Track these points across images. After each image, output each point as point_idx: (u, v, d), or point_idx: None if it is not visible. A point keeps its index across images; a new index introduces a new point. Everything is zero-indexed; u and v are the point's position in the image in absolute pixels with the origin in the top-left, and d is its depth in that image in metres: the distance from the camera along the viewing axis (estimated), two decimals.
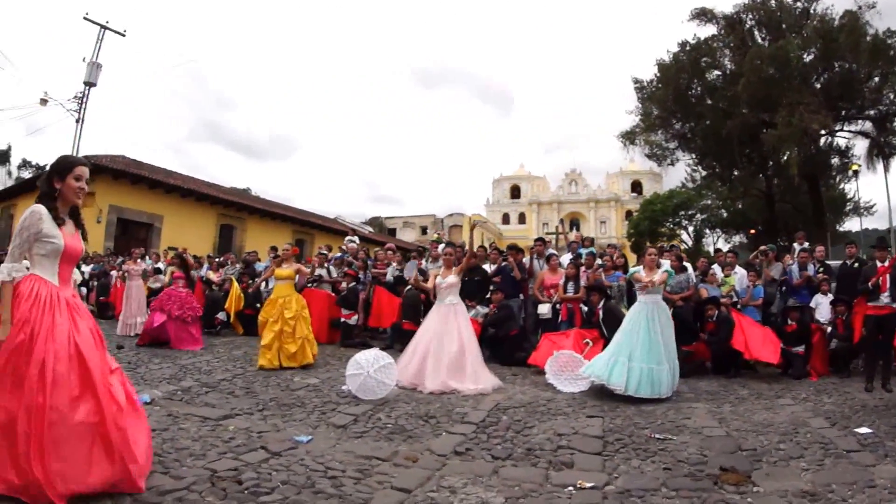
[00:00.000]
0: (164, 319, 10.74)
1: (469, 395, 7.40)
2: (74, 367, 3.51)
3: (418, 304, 11.01)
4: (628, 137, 34.33)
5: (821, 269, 10.87)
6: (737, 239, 46.95)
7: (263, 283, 13.18)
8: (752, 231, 40.26)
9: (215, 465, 4.34)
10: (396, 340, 10.81)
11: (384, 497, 3.93)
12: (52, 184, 3.77)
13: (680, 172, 43.18)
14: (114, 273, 15.67)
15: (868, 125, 29.80)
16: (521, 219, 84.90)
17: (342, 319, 12.19)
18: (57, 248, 3.68)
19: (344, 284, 12.72)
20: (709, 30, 30.98)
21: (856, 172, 31.54)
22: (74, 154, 21.43)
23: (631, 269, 8.80)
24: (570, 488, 4.21)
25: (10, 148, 57.34)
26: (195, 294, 12.59)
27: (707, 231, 49.94)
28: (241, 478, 4.11)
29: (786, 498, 4.02)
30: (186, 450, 4.69)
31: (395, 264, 13.16)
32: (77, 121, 23.47)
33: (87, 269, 17.67)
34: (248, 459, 4.54)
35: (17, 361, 3.39)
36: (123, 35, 24.74)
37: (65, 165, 3.83)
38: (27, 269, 3.66)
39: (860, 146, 31.53)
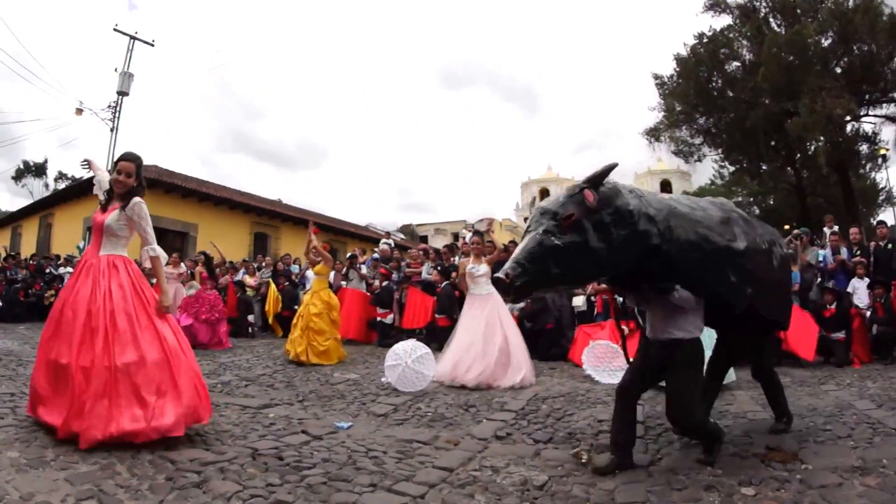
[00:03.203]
0: (190, 322, 10.83)
1: (508, 388, 7.33)
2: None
3: (454, 299, 10.98)
4: (653, 134, 33.78)
5: (857, 253, 10.69)
6: None
7: (300, 285, 13.27)
8: (787, 227, 39.64)
9: (256, 444, 4.42)
10: (432, 339, 10.77)
11: (426, 474, 3.96)
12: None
13: (708, 169, 42.63)
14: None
15: (894, 108, 29.21)
16: None
17: (378, 319, 12.24)
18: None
19: (377, 283, 12.77)
20: (724, 20, 30.56)
21: (884, 157, 30.90)
22: (108, 163, 21.87)
23: None
24: None
25: (46, 161, 58.99)
26: (228, 297, 12.74)
27: None
28: (281, 455, 4.19)
29: (836, 472, 3.95)
30: (227, 432, 4.77)
31: (429, 263, 13.11)
32: (111, 130, 23.83)
33: None
34: (289, 441, 4.60)
35: None
36: (152, 45, 25.18)
37: (115, 162, 4.81)
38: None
39: (887, 132, 30.89)
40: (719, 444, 4.31)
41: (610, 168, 3.73)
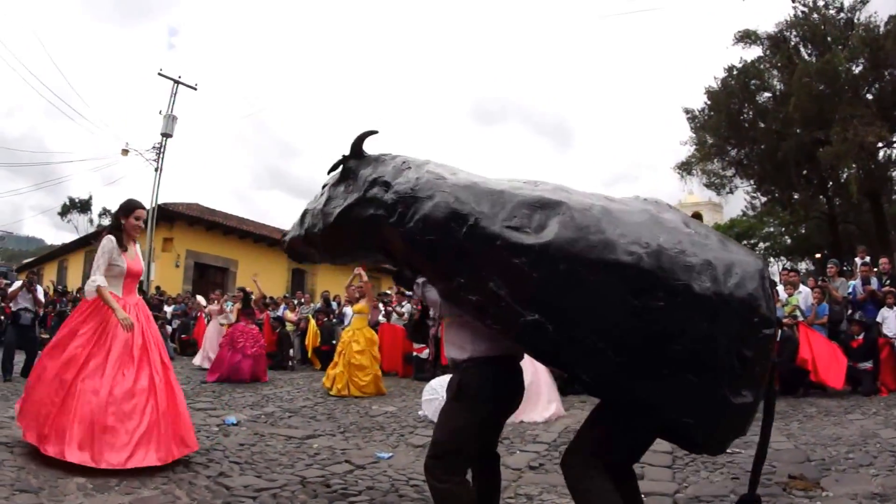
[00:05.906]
0: (238, 358, 10.99)
1: (539, 422, 7.43)
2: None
3: None
4: (685, 168, 33.66)
5: (887, 282, 10.71)
6: (802, 266, 45.49)
7: (337, 321, 13.62)
8: (818, 256, 39.13)
9: (303, 473, 4.74)
10: None
11: None
12: (119, 219, 5.04)
13: (739, 201, 42.08)
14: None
15: None
16: None
17: (414, 353, 12.55)
18: (122, 271, 4.89)
19: (408, 317, 13.08)
20: (754, 52, 30.51)
21: None
22: (153, 202, 22.50)
23: None
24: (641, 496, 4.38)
25: (90, 198, 59.92)
26: (265, 332, 13.06)
27: (771, 259, 48.72)
28: (328, 482, 4.49)
29: (856, 500, 4.08)
30: (275, 460, 5.10)
31: None
32: (156, 170, 24.39)
33: (168, 309, 18.55)
34: (335, 470, 4.89)
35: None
36: (195, 89, 25.84)
37: (129, 207, 5.07)
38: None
39: None
40: None
41: (365, 134, 3.36)
